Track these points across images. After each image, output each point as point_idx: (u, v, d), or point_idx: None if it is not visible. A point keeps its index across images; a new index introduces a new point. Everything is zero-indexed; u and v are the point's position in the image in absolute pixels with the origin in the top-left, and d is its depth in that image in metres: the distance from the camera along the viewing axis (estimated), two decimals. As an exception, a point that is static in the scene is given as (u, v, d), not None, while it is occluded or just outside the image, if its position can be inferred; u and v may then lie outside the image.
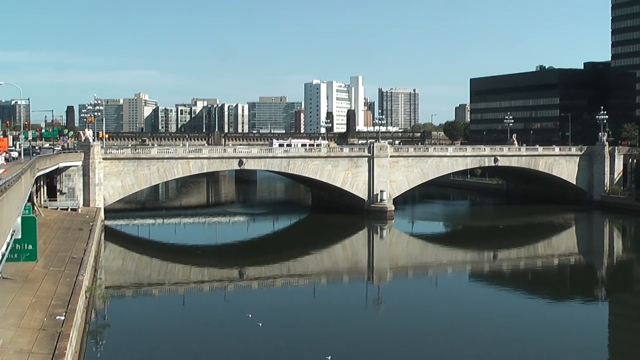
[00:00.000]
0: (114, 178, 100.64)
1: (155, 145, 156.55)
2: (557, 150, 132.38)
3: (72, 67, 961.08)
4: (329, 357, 40.03)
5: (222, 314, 54.59)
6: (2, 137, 67.08)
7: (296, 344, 45.39)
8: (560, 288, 70.16)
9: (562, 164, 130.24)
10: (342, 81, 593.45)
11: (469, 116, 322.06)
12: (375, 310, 57.67)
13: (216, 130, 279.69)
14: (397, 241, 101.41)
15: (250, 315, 49.95)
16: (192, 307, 57.38)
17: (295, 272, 75.46)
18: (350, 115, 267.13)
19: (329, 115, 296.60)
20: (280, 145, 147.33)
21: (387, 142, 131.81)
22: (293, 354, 43.38)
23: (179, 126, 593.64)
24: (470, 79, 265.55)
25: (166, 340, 45.75)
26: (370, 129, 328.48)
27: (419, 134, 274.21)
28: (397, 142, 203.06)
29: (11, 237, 32.79)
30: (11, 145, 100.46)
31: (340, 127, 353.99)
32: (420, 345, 46.00)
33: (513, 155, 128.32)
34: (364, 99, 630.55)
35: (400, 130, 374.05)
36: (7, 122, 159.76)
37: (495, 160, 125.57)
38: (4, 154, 56.75)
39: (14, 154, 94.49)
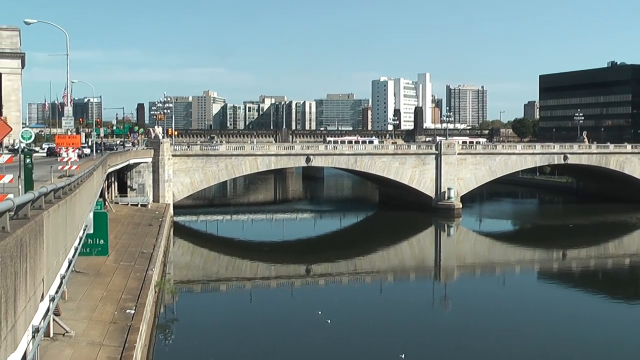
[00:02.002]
0: (183, 174, 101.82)
1: (224, 142, 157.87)
2: (629, 147, 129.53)
3: (143, 66, 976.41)
4: (403, 355, 39.74)
5: (290, 311, 54.58)
6: (75, 134, 68.21)
7: (367, 342, 45.04)
8: (632, 289, 68.69)
9: (635, 162, 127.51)
10: (409, 78, 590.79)
11: (538, 113, 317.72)
12: (442, 309, 57.23)
13: (284, 127, 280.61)
14: (464, 239, 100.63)
15: (320, 313, 49.74)
16: (259, 303, 57.66)
17: (362, 269, 75.39)
18: (418, 113, 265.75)
19: (396, 113, 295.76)
20: (335, 142, 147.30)
21: (454, 139, 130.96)
22: (366, 352, 42.98)
23: (247, 123, 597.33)
24: (540, 76, 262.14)
25: (234, 336, 45.97)
26: (438, 126, 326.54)
27: (487, 131, 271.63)
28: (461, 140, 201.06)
29: (84, 232, 33.40)
30: (84, 142, 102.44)
31: (407, 124, 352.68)
32: (488, 344, 45.45)
33: (583, 153, 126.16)
34: (432, 96, 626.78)
35: (468, 128, 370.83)
36: (80, 119, 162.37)
37: (565, 158, 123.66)
38: (77, 150, 57.71)
39: (87, 151, 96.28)
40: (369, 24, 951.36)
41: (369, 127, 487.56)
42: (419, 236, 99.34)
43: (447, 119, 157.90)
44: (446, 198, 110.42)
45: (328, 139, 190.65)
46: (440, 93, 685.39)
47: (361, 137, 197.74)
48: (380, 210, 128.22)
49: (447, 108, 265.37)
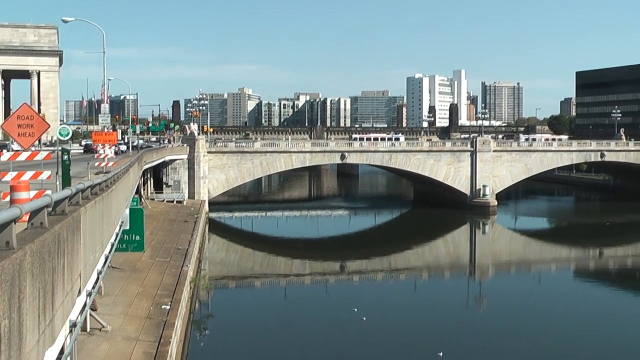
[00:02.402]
0: (218, 171, 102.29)
1: (259, 139, 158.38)
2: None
3: (179, 63, 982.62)
4: (441, 354, 39.56)
5: (324, 308, 54.59)
6: (111, 130, 68.83)
7: (404, 340, 44.80)
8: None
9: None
10: (444, 75, 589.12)
11: (574, 110, 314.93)
12: (477, 307, 56.94)
13: (318, 124, 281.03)
14: (499, 237, 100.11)
15: (356, 310, 49.64)
16: (294, 299, 57.77)
17: (396, 267, 75.30)
18: (453, 109, 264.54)
19: (431, 110, 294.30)
20: (361, 139, 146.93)
21: (490, 136, 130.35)
22: (403, 350, 42.79)
23: (282, 120, 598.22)
24: (576, 72, 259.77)
25: (268, 332, 46.01)
26: (473, 123, 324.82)
27: (522, 128, 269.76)
28: (500, 136, 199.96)
29: (120, 228, 33.72)
30: (120, 138, 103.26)
31: (442, 121, 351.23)
32: (524, 343, 45.01)
33: (620, 150, 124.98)
34: (467, 92, 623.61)
35: (503, 125, 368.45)
36: (117, 116, 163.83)
37: (602, 156, 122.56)
38: (113, 147, 58.21)
39: (123, 147, 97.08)
40: (404, 20, 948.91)
41: (404, 124, 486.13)
42: (453, 233, 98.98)
43: (483, 115, 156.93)
44: (481, 195, 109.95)
45: (354, 136, 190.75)
46: (476, 90, 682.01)
47: (387, 134, 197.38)
48: (414, 208, 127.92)
49: (483, 105, 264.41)
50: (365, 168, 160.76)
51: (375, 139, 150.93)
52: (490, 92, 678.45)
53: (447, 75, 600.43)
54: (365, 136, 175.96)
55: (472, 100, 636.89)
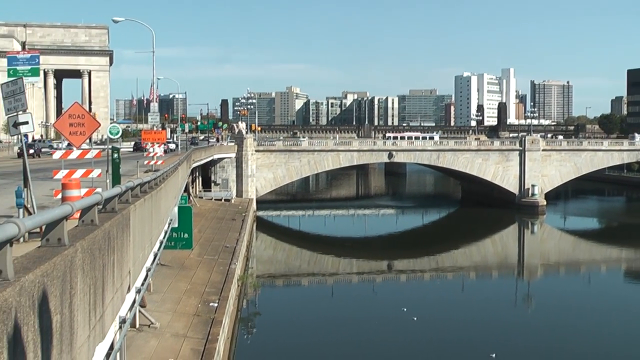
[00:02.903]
0: (265, 170, 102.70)
1: (306, 137, 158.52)
2: None
3: (227, 62, 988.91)
4: (494, 355, 39.18)
5: (371, 307, 54.41)
6: (160, 129, 69.49)
7: (454, 340, 44.31)
8: None
9: None
10: (493, 73, 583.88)
11: (625, 109, 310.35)
12: (526, 307, 56.38)
13: (366, 123, 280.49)
14: (548, 237, 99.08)
15: (405, 309, 49.37)
16: (341, 298, 57.72)
17: (444, 266, 74.92)
18: (501, 108, 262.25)
19: (480, 108, 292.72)
20: (394, 138, 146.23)
21: (539, 135, 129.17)
22: (455, 350, 42.41)
23: (330, 119, 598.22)
24: (628, 70, 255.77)
25: (316, 331, 46.05)
26: (522, 122, 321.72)
27: (572, 127, 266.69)
28: (549, 135, 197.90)
29: (169, 226, 34.00)
30: (169, 137, 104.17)
31: (491, 120, 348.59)
32: (574, 345, 44.51)
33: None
34: (516, 91, 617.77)
35: (552, 124, 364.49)
36: (166, 115, 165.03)
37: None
38: (162, 145, 58.72)
39: (172, 146, 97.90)
40: (452, 19, 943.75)
41: (452, 123, 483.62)
42: (501, 233, 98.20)
43: (532, 114, 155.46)
44: (530, 195, 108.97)
45: (387, 134, 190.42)
46: (525, 88, 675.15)
47: (421, 133, 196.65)
48: (462, 207, 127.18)
49: (532, 104, 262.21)
50: (413, 167, 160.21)
51: (409, 137, 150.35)
52: (539, 90, 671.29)
53: (496, 73, 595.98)
54: (398, 135, 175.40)
55: (521, 99, 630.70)
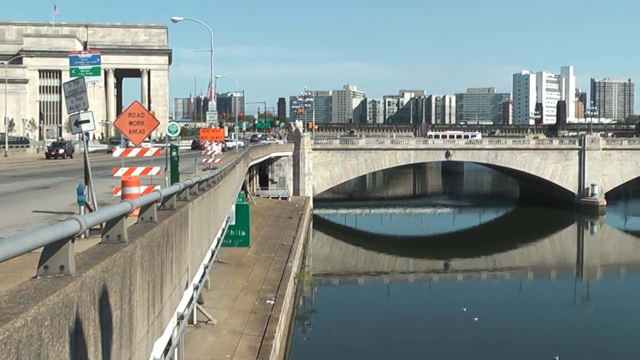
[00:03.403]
0: (322, 168, 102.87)
1: (363, 136, 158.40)
2: None
3: (284, 61, 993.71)
4: (557, 358, 38.56)
5: (428, 306, 54.10)
6: (218, 127, 70.04)
7: (515, 341, 43.58)
8: None
9: None
10: (552, 71, 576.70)
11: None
12: (585, 309, 55.53)
13: (423, 121, 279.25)
14: (608, 237, 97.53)
15: (465, 309, 48.89)
16: (397, 297, 57.52)
17: (501, 266, 74.28)
18: (560, 107, 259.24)
19: (538, 107, 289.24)
20: (436, 137, 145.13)
21: (599, 134, 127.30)
22: (516, 352, 41.74)
23: (387, 118, 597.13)
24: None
25: (372, 330, 45.79)
26: (582, 120, 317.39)
27: (633, 126, 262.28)
28: (610, 134, 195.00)
29: (226, 223, 34.24)
30: (227, 135, 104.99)
31: (549, 118, 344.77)
32: (636, 348, 43.77)
33: None
34: (575, 89, 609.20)
35: (613, 122, 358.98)
36: (224, 113, 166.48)
37: None
38: (220, 144, 59.21)
39: (229, 144, 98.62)
40: (510, 16, 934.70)
41: (510, 122, 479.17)
42: (560, 233, 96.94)
43: (591, 113, 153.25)
44: (589, 194, 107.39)
45: (429, 133, 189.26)
46: (584, 86, 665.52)
47: (464, 132, 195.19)
48: (520, 206, 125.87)
49: (592, 102, 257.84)
50: (470, 166, 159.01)
51: (451, 136, 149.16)
52: (599, 88, 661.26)
53: (555, 71, 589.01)
54: (440, 134, 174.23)
55: (581, 97, 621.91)
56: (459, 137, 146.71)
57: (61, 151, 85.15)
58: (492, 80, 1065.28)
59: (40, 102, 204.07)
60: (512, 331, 46.33)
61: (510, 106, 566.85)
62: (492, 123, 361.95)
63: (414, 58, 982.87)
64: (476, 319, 46.40)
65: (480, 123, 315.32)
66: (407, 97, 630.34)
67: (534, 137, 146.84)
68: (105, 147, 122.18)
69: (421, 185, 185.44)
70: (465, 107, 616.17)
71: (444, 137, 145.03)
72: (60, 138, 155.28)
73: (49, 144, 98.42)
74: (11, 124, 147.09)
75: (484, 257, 77.66)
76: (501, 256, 79.19)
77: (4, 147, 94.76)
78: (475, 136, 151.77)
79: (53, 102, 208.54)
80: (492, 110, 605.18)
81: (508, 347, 42.50)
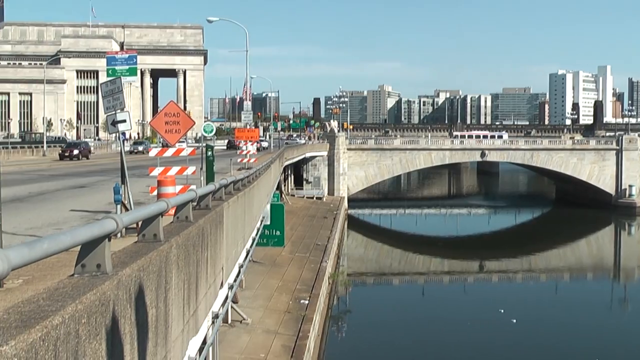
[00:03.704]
0: (357, 168, 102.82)
1: (398, 136, 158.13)
2: None
3: (319, 61, 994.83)
4: None
5: (465, 307, 53.53)
6: (253, 127, 70.23)
7: (554, 344, 42.89)
8: None
9: None
10: (589, 71, 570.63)
11: None
12: (623, 311, 54.83)
13: (458, 121, 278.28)
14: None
15: (502, 311, 48.46)
16: (432, 298, 57.32)
17: (537, 267, 73.71)
18: (597, 107, 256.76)
19: (575, 107, 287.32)
20: (462, 137, 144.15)
21: (637, 134, 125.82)
22: (557, 354, 41.28)
23: (422, 118, 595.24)
24: None
25: (407, 330, 45.54)
26: (619, 120, 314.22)
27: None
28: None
29: (261, 223, 34.36)
30: (262, 135, 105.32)
31: (586, 118, 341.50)
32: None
33: None
34: (613, 89, 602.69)
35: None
36: (259, 113, 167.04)
37: None
38: (255, 143, 59.39)
39: (264, 144, 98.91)
40: (546, 15, 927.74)
41: (546, 122, 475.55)
42: (597, 234, 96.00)
43: (629, 113, 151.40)
44: (627, 195, 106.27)
45: (455, 133, 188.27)
46: (622, 86, 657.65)
47: (490, 132, 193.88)
48: (556, 207, 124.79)
49: (629, 102, 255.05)
50: (505, 166, 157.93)
51: (477, 136, 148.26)
52: (637, 88, 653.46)
53: (592, 71, 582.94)
54: (466, 134, 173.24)
55: (618, 97, 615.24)
56: (484, 137, 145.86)
57: (75, 152, 79.65)
58: (528, 80, 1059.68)
59: (77, 102, 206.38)
60: (551, 333, 45.75)
61: (547, 106, 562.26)
62: (528, 123, 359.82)
63: (450, 58, 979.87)
64: (514, 320, 46.04)
65: (515, 123, 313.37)
66: (442, 97, 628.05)
67: (570, 138, 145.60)
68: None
69: (456, 185, 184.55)
70: (501, 107, 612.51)
71: (469, 137, 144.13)
72: (74, 137, 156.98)
73: (63, 145, 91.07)
74: (49, 124, 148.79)
75: (519, 258, 77.13)
76: (537, 257, 78.57)
77: (43, 147, 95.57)
78: (501, 136, 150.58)
79: (90, 102, 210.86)
80: (528, 110, 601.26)
81: (547, 350, 41.87)
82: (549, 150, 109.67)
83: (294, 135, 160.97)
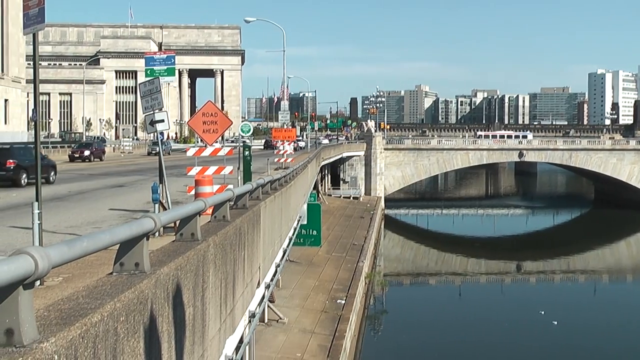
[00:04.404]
0: (394, 168, 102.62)
1: (435, 136, 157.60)
2: None
3: (356, 61, 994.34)
4: None
5: (503, 308, 53.17)
6: (290, 127, 70.42)
7: (597, 345, 42.56)
8: None
9: None
10: (629, 70, 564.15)
11: None
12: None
13: (496, 121, 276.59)
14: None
15: (543, 312, 47.93)
16: (469, 299, 56.86)
17: (575, 268, 73.02)
18: (638, 106, 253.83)
19: (614, 107, 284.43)
20: (486, 137, 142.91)
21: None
22: (600, 356, 40.85)
23: (459, 117, 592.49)
24: None
25: (444, 331, 45.25)
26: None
27: None
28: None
29: (298, 223, 34.43)
30: (299, 135, 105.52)
31: (626, 118, 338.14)
32: None
33: None
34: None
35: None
36: (296, 113, 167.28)
37: None
38: (292, 143, 59.51)
39: (302, 144, 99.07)
40: (585, 14, 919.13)
41: (585, 122, 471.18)
42: (637, 236, 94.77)
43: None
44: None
45: (479, 133, 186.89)
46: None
47: (515, 132, 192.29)
48: (595, 208, 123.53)
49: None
50: (544, 166, 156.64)
51: (502, 136, 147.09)
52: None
53: (632, 70, 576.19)
54: (490, 134, 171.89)
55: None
56: (509, 137, 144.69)
57: (87, 153, 73.27)
58: (566, 80, 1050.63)
59: (116, 102, 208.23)
60: (592, 335, 45.23)
61: (586, 106, 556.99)
62: (566, 123, 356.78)
63: (487, 57, 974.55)
64: (555, 322, 45.55)
65: (554, 123, 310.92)
66: (479, 97, 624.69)
67: (609, 138, 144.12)
68: (181, 146, 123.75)
69: (493, 185, 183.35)
70: (539, 106, 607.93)
71: (493, 137, 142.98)
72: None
73: (75, 145, 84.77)
74: (89, 124, 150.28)
75: (557, 260, 76.45)
76: (575, 259, 77.84)
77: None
78: (526, 136, 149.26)
79: (129, 102, 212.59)
80: (567, 110, 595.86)
81: (590, 352, 41.42)
82: (588, 151, 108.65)
83: (334, 136, 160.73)
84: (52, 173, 38.93)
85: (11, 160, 36.00)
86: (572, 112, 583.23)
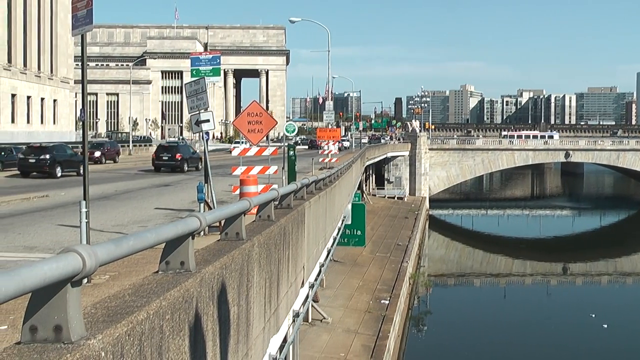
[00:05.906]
0: (439, 168, 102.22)
1: (480, 136, 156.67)
2: None
3: (401, 60, 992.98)
4: None
5: (548, 310, 52.45)
6: (335, 127, 70.45)
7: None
8: None
9: None
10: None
11: None
12: None
13: (542, 121, 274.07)
14: None
15: (594, 315, 47.31)
16: (514, 300, 56.45)
17: (622, 271, 72.04)
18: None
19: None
20: (510, 137, 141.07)
21: None
22: None
23: (504, 117, 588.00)
24: None
25: (488, 333, 44.94)
26: None
27: None
28: None
29: (342, 223, 34.44)
30: (343, 135, 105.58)
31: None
32: None
33: None
34: None
35: None
36: (340, 113, 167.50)
37: None
38: (337, 143, 59.55)
39: (346, 144, 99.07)
40: (633, 13, 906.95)
41: (633, 122, 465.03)
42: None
43: None
44: None
45: (503, 133, 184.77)
46: None
47: (541, 132, 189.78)
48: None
49: None
50: (590, 167, 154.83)
51: (527, 136, 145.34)
52: None
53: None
54: (515, 134, 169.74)
55: None
56: (534, 137, 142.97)
57: (97, 154, 65.39)
58: (614, 79, 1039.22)
59: (162, 102, 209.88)
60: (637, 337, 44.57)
61: (634, 106, 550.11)
62: (614, 123, 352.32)
63: (533, 57, 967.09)
64: (605, 325, 44.87)
65: (601, 123, 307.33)
66: (525, 97, 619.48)
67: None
68: (225, 145, 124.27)
69: (539, 186, 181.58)
70: (586, 106, 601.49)
71: (519, 137, 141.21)
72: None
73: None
74: (135, 124, 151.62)
75: (604, 261, 75.55)
76: (623, 260, 76.84)
77: (129, 146, 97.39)
78: (552, 136, 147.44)
79: (174, 102, 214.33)
80: (614, 110, 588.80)
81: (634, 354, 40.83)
82: (636, 151, 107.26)
83: (383, 136, 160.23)
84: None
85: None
86: (619, 112, 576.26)
